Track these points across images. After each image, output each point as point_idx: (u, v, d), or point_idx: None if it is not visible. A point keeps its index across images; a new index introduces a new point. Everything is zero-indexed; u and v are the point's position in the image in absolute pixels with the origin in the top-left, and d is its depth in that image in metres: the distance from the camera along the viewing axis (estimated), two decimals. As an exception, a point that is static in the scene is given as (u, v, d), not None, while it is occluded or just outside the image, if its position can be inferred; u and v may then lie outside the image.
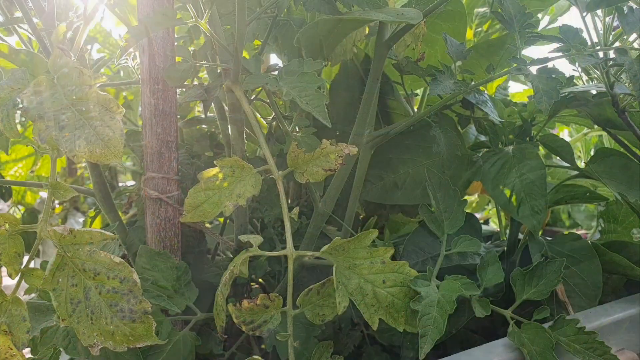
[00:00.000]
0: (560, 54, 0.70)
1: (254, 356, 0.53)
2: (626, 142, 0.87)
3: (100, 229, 0.92)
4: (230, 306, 0.52)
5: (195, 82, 0.75)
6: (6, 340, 0.50)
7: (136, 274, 0.50)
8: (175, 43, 0.68)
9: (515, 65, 0.69)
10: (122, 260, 0.49)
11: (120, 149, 0.43)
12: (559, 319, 0.63)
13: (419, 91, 1.00)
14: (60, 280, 0.49)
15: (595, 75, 0.83)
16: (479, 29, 1.06)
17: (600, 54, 0.73)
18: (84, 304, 0.49)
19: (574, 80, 0.81)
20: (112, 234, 0.49)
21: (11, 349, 0.51)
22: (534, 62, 0.69)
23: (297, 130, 0.77)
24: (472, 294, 0.63)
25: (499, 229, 1.12)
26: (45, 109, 0.42)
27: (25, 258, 0.52)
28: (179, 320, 0.69)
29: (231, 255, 0.81)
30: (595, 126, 0.97)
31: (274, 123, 0.87)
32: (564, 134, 1.55)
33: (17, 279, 0.52)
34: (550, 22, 1.14)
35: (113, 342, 0.49)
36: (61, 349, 0.58)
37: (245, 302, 0.52)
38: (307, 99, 0.53)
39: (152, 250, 0.68)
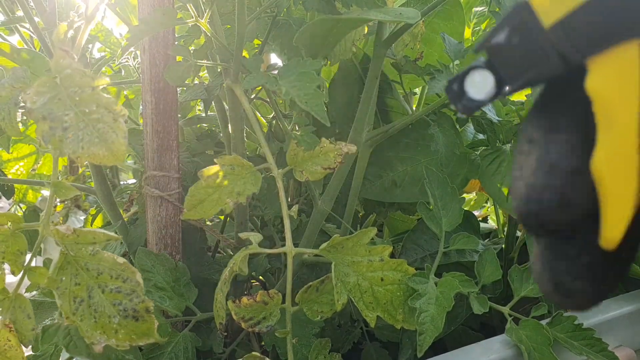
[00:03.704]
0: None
1: (253, 352, 0.54)
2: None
3: (101, 227, 0.93)
4: (230, 303, 0.53)
5: (196, 81, 0.75)
6: (5, 332, 0.51)
7: (139, 274, 0.50)
8: (176, 42, 0.69)
9: (513, 63, 0.69)
10: (125, 260, 0.50)
11: (123, 152, 0.43)
12: (557, 315, 0.63)
13: (417, 90, 1.01)
14: (63, 279, 0.49)
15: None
16: (477, 28, 1.06)
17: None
18: (87, 302, 0.49)
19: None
20: (115, 235, 0.49)
21: (9, 341, 0.52)
22: (532, 60, 0.70)
23: (297, 128, 0.77)
24: (470, 290, 0.64)
25: (497, 227, 1.12)
26: (49, 110, 0.42)
27: (28, 255, 0.53)
28: (179, 321, 0.69)
29: (231, 253, 0.82)
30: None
31: (274, 122, 0.87)
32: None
33: (19, 276, 0.52)
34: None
35: (116, 340, 0.50)
36: (62, 347, 0.59)
37: (244, 299, 0.53)
38: (306, 98, 0.54)
39: (150, 251, 0.68)
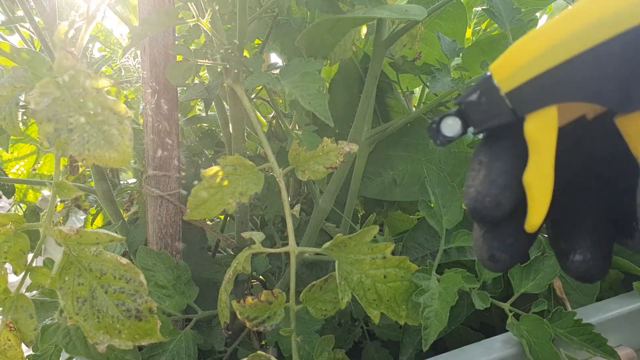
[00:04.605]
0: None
1: (259, 352, 0.54)
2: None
3: (102, 227, 0.93)
4: (234, 303, 0.53)
5: (196, 81, 0.75)
6: (6, 331, 0.51)
7: (142, 275, 0.50)
8: (176, 42, 0.69)
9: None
10: (128, 261, 0.50)
11: (129, 153, 0.43)
12: (557, 311, 0.64)
13: (417, 89, 1.01)
14: (66, 279, 0.49)
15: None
16: (478, 28, 1.07)
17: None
18: (90, 302, 0.49)
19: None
20: (118, 236, 0.49)
21: (9, 340, 0.52)
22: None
23: (297, 128, 0.77)
24: (472, 286, 0.64)
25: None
26: (54, 111, 0.42)
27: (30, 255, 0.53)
28: (180, 320, 0.69)
29: (232, 252, 0.82)
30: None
31: (274, 121, 0.87)
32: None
33: (21, 276, 0.52)
34: (547, 20, 1.15)
35: (119, 340, 0.50)
36: (62, 347, 0.59)
37: (249, 299, 0.53)
38: (309, 99, 0.54)
39: (152, 250, 0.68)
